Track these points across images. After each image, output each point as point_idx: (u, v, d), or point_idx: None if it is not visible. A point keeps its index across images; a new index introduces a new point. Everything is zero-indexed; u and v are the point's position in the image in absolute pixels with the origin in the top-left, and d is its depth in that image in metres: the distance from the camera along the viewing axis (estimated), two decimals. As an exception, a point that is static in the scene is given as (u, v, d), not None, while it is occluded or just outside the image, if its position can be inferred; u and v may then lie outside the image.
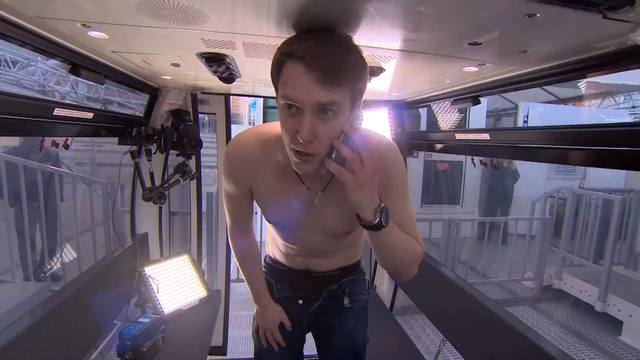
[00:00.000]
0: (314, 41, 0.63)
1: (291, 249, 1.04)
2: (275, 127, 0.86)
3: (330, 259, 1.05)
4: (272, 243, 1.11)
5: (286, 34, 0.77)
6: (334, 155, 0.68)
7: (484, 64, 0.89)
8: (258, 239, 1.24)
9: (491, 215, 5.61)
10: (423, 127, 5.40)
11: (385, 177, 0.78)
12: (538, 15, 0.54)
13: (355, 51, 0.66)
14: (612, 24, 0.55)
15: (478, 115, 5.83)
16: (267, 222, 1.05)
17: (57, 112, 1.00)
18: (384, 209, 0.72)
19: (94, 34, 0.79)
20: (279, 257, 1.10)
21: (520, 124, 6.08)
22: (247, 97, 7.54)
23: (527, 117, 6.08)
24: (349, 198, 0.70)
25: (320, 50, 0.62)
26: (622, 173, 5.73)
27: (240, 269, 1.13)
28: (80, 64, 0.98)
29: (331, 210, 0.87)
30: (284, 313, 1.11)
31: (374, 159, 0.68)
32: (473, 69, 0.93)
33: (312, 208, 0.87)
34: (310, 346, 1.21)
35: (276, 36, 0.77)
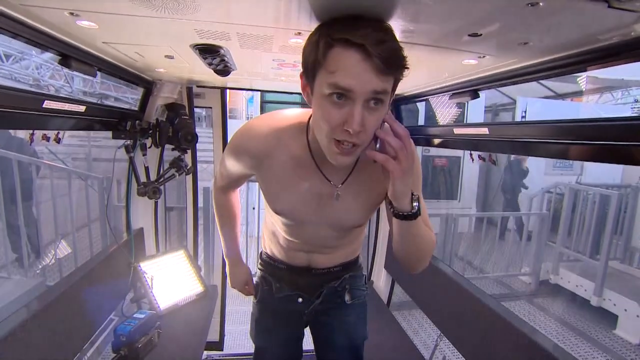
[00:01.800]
0: (370, 28, 0.60)
1: (293, 243, 1.01)
2: (291, 115, 0.84)
3: (332, 254, 1.04)
4: (271, 239, 1.08)
5: (283, 24, 0.75)
6: (378, 145, 0.67)
7: (483, 57, 0.88)
8: (254, 234, 1.24)
9: (499, 210, 5.63)
10: (421, 122, 5.38)
11: None
12: (541, 4, 0.52)
13: (396, 38, 0.64)
14: (616, 14, 0.53)
15: (476, 110, 5.80)
16: (266, 217, 1.04)
17: (47, 104, 0.98)
18: (418, 197, 0.72)
19: (84, 23, 0.76)
20: (278, 254, 1.07)
21: (518, 119, 6.06)
22: (244, 92, 7.47)
23: (525, 112, 6.07)
24: (391, 188, 0.69)
25: (378, 37, 0.59)
26: (618, 169, 5.75)
27: (217, 223, 1.17)
28: (70, 55, 0.95)
29: (347, 203, 0.86)
30: (250, 276, 1.16)
31: (413, 146, 0.68)
32: (472, 61, 0.92)
33: (328, 201, 0.86)
34: (308, 341, 1.20)
35: (272, 26, 0.75)
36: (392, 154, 0.66)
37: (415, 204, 0.72)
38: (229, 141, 0.91)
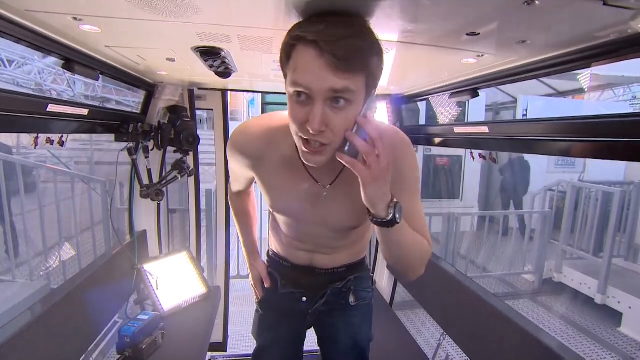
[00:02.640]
0: (326, 24, 0.59)
1: (294, 242, 1.02)
2: (283, 116, 0.83)
3: (335, 255, 1.03)
4: (275, 237, 1.09)
5: (282, 25, 0.75)
6: (346, 148, 0.65)
7: (482, 55, 0.88)
8: (259, 235, 1.26)
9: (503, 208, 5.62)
10: (422, 121, 5.38)
11: (397, 172, 0.73)
12: (537, 2, 0.53)
13: (369, 34, 0.62)
14: (612, 11, 0.53)
15: (477, 109, 5.80)
16: (270, 215, 1.05)
17: (51, 108, 0.99)
18: (397, 204, 0.68)
19: (86, 27, 0.78)
20: (282, 252, 1.08)
21: (519, 117, 6.05)
22: (245, 94, 7.48)
23: (526, 110, 6.05)
24: (362, 193, 0.67)
25: (332, 33, 0.58)
26: (621, 166, 5.72)
27: (235, 224, 1.22)
28: (73, 59, 0.96)
29: (338, 205, 0.85)
30: (264, 270, 1.16)
31: (389, 152, 0.65)
32: (471, 60, 0.92)
33: (318, 201, 0.85)
34: (309, 341, 1.20)
35: (272, 28, 0.76)
36: (362, 159, 0.64)
37: (391, 210, 0.67)
38: (227, 146, 0.92)
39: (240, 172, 0.95)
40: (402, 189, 0.76)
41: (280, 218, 0.97)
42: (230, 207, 1.20)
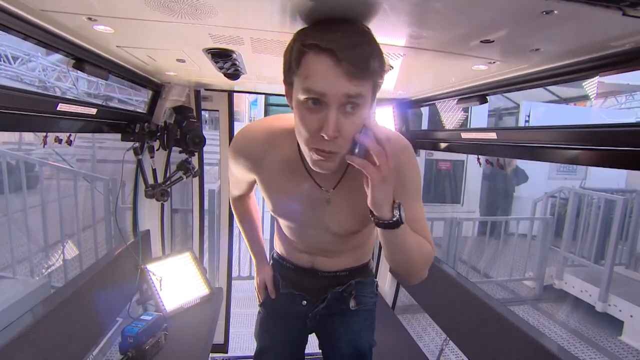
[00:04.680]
0: (341, 33, 0.60)
1: (297, 245, 1.02)
2: (285, 119, 0.84)
3: (337, 258, 1.03)
4: (279, 238, 1.11)
5: (297, 28, 0.76)
6: (356, 150, 0.66)
7: (493, 62, 0.88)
8: (266, 236, 1.26)
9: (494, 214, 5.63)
10: (424, 125, 5.38)
11: (399, 176, 0.73)
12: (555, 12, 0.53)
13: (376, 42, 0.64)
14: (630, 21, 0.53)
15: (480, 114, 5.80)
16: (272, 217, 1.06)
17: (61, 107, 0.99)
18: (400, 205, 0.69)
19: (100, 28, 0.78)
20: (286, 254, 1.09)
21: (521, 123, 6.06)
22: (248, 95, 7.50)
23: (528, 116, 6.06)
24: (370, 195, 0.67)
25: (349, 42, 0.59)
26: (623, 173, 5.71)
27: (240, 229, 1.22)
28: (84, 59, 0.97)
29: (340, 209, 0.85)
30: (270, 277, 1.15)
31: (394, 153, 0.66)
32: (482, 67, 0.92)
33: (320, 206, 0.85)
34: (310, 345, 1.20)
35: (287, 32, 0.76)
36: (372, 160, 0.65)
37: (396, 212, 0.69)
38: (229, 149, 0.92)
39: (242, 175, 0.95)
40: (405, 192, 0.76)
41: (282, 221, 0.98)
42: (234, 213, 1.20)
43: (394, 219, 0.68)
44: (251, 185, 1.06)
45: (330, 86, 0.61)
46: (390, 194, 0.68)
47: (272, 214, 0.94)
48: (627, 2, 0.47)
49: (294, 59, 0.64)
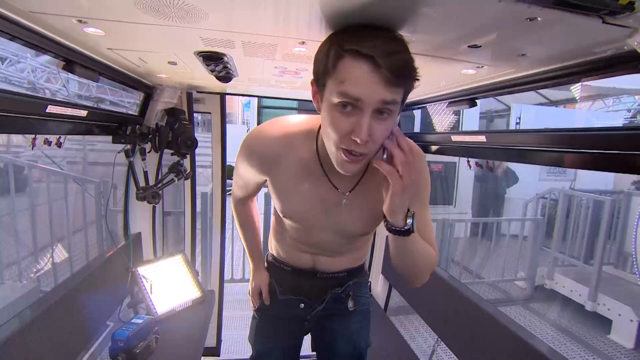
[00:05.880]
0: (380, 39, 0.61)
1: (299, 245, 1.01)
2: (302, 121, 0.85)
3: (338, 259, 1.03)
4: (277, 240, 1.08)
5: (285, 33, 0.76)
6: (385, 156, 0.68)
7: (481, 67, 0.90)
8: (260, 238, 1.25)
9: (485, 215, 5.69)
10: (417, 128, 5.43)
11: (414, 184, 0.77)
12: (539, 19, 0.54)
13: (409, 50, 0.65)
14: (610, 29, 0.55)
15: (471, 116, 5.87)
16: (273, 219, 1.05)
17: (50, 109, 0.98)
18: (413, 214, 0.72)
19: (90, 30, 0.77)
20: (284, 255, 1.07)
21: (512, 125, 6.15)
22: (241, 97, 7.48)
23: (519, 118, 6.15)
24: (388, 201, 0.69)
25: (388, 48, 0.60)
26: (610, 175, 5.82)
27: (239, 233, 1.20)
28: (74, 61, 0.96)
29: (354, 212, 0.86)
30: (266, 283, 1.13)
31: (417, 163, 0.68)
32: (471, 71, 0.94)
33: (334, 208, 0.86)
34: (304, 346, 1.20)
35: (276, 35, 0.77)
36: (397, 168, 0.66)
37: (409, 220, 0.71)
38: (239, 148, 0.91)
39: (252, 176, 0.94)
40: (416, 200, 0.78)
41: (289, 222, 0.96)
42: (235, 216, 1.18)
43: (406, 227, 0.71)
44: (258, 187, 1.04)
45: (367, 92, 0.62)
46: (406, 203, 0.70)
47: (281, 215, 0.94)
48: (605, 11, 0.49)
49: (331, 62, 0.64)
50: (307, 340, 1.19)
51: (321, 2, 0.58)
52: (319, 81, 0.68)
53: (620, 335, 3.21)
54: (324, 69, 0.66)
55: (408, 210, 0.71)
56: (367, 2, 0.56)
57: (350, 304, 1.08)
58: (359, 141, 0.64)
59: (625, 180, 5.37)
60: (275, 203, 0.93)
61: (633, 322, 3.13)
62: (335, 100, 0.64)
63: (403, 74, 0.62)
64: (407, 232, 0.71)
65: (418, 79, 0.66)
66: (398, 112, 0.68)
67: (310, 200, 0.86)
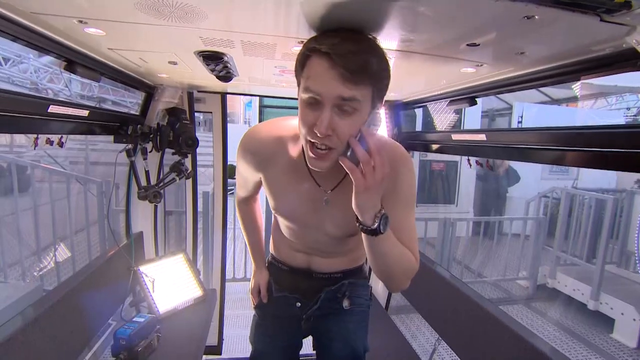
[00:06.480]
0: (339, 38, 0.64)
1: (294, 243, 1.04)
2: (293, 122, 0.87)
3: (333, 259, 1.05)
4: (277, 239, 1.12)
5: (285, 32, 0.77)
6: (349, 153, 0.69)
7: (481, 65, 0.90)
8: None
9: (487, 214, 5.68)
10: (418, 127, 5.42)
11: (392, 185, 0.78)
12: (536, 17, 0.55)
13: (378, 51, 0.67)
14: (608, 27, 0.55)
15: (473, 115, 5.85)
16: (274, 218, 1.07)
17: (52, 109, 0.99)
18: (384, 215, 0.72)
19: (91, 30, 0.78)
20: (282, 254, 1.11)
21: (514, 124, 6.12)
22: (242, 96, 7.49)
23: (521, 117, 6.13)
24: (353, 199, 0.71)
25: (345, 47, 0.63)
26: (613, 174, 5.79)
27: (243, 233, 1.23)
28: (75, 61, 0.97)
29: (338, 211, 0.87)
30: (265, 282, 1.16)
31: (385, 166, 0.68)
32: (470, 70, 0.94)
33: (319, 206, 0.88)
34: (305, 346, 1.21)
35: (276, 35, 0.77)
36: (361, 167, 0.68)
37: (377, 220, 0.71)
38: (237, 148, 0.95)
39: (250, 174, 0.97)
40: (395, 202, 0.79)
41: (282, 220, 1.00)
42: (238, 215, 1.21)
43: (374, 227, 0.71)
44: (257, 186, 1.07)
45: (325, 88, 0.65)
46: (373, 202, 0.70)
47: (274, 212, 0.98)
48: (603, 9, 0.49)
49: (299, 61, 0.70)
50: (308, 339, 1.19)
51: (319, 3, 0.58)
52: (297, 80, 0.73)
53: (623, 334, 3.20)
54: (298, 68, 0.71)
55: (380, 210, 0.71)
56: (350, 4, 0.58)
57: (345, 303, 1.08)
58: (318, 134, 0.67)
59: (628, 178, 5.34)
60: (269, 201, 0.96)
61: (636, 321, 3.12)
62: (304, 95, 0.69)
63: (359, 72, 0.64)
64: (375, 232, 0.72)
65: (385, 78, 0.68)
66: (368, 112, 0.69)
67: (299, 198, 0.90)
